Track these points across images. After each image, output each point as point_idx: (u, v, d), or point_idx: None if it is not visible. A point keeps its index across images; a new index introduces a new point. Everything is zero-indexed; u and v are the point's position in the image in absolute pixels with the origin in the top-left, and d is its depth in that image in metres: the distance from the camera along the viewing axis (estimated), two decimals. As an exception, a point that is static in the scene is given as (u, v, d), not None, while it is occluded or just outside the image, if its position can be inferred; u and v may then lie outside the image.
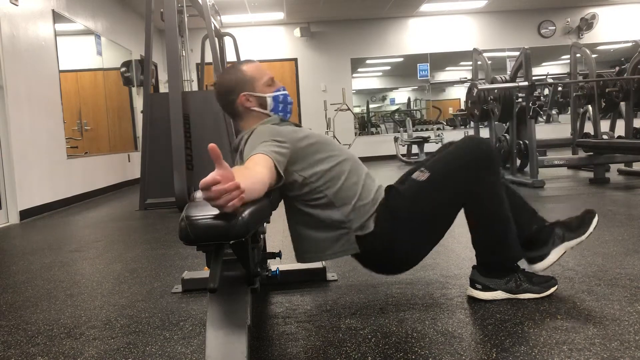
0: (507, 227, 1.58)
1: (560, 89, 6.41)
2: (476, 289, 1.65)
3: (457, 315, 1.55)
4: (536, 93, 4.46)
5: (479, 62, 6.03)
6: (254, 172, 1.21)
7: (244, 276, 1.28)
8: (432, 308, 1.62)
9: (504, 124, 6.08)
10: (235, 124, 1.71)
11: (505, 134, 5.73)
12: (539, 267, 1.67)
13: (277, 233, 3.01)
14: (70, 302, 1.92)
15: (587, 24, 9.65)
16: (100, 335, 1.56)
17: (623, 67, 5.25)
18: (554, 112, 9.52)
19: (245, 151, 1.45)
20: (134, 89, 7.61)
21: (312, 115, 9.47)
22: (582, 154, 4.95)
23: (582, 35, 9.73)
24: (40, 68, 4.86)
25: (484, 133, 6.11)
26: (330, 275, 2.03)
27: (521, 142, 5.24)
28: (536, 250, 1.67)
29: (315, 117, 9.36)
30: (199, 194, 1.16)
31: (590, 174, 4.83)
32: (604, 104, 5.38)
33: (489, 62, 5.78)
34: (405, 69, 9.93)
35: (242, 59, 7.45)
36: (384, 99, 10.50)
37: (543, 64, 9.76)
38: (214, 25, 5.45)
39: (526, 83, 4.43)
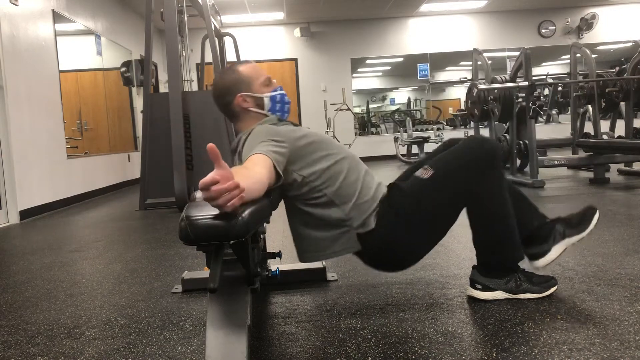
0: (508, 228, 1.58)
1: (560, 89, 6.42)
2: (476, 289, 1.65)
3: (457, 315, 1.55)
4: (536, 93, 4.46)
5: (479, 62, 6.03)
6: (253, 172, 1.21)
7: (244, 276, 1.28)
8: (432, 308, 1.62)
9: (504, 124, 6.08)
10: (234, 126, 1.71)
11: (505, 134, 5.73)
12: (540, 263, 1.67)
13: (277, 233, 3.01)
14: (70, 302, 1.92)
15: (587, 24, 9.65)
16: (100, 335, 1.56)
17: (623, 67, 5.25)
18: (554, 112, 9.52)
19: (244, 152, 1.44)
20: (134, 89, 7.61)
21: (312, 115, 9.47)
22: (582, 154, 4.95)
23: (582, 35, 9.73)
24: (40, 68, 4.86)
25: (484, 133, 6.11)
26: (330, 275, 2.03)
27: (521, 142, 5.24)
28: (537, 247, 1.67)
29: (315, 117, 9.36)
30: (199, 194, 1.16)
31: (590, 174, 4.83)
32: (604, 104, 5.38)
33: (489, 62, 5.78)
34: (405, 69, 9.93)
35: (242, 59, 7.46)
36: (384, 99, 10.50)
37: (543, 64, 9.76)
38: (214, 25, 5.45)
39: (526, 83, 4.44)
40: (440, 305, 1.64)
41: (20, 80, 4.47)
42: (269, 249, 2.35)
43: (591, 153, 4.68)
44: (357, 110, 10.18)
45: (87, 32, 6.15)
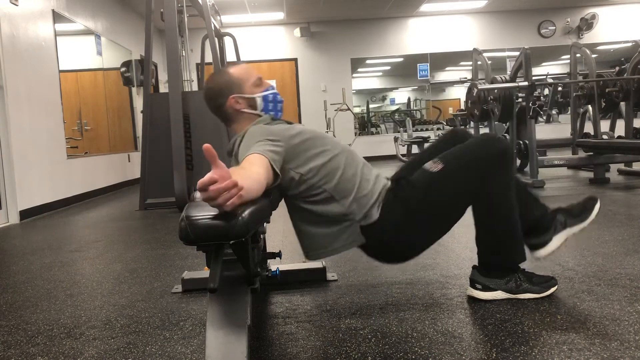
0: (513, 228, 1.58)
1: (560, 89, 6.42)
2: (476, 289, 1.65)
3: (457, 315, 1.55)
4: (536, 93, 4.46)
5: (479, 62, 6.03)
6: (250, 172, 1.21)
7: (244, 276, 1.28)
8: (432, 308, 1.62)
9: (504, 124, 6.08)
10: (228, 128, 1.71)
11: (505, 134, 5.73)
12: (541, 253, 1.67)
13: (277, 233, 3.01)
14: (70, 302, 1.92)
15: (587, 24, 9.65)
16: (100, 335, 1.56)
17: (623, 67, 5.25)
18: (554, 112, 9.51)
19: (240, 153, 1.44)
20: (134, 89, 7.61)
21: (312, 115, 9.47)
22: (582, 154, 4.95)
23: (582, 35, 9.73)
24: (40, 68, 4.86)
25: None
26: (330, 275, 2.03)
27: (521, 142, 5.24)
28: (538, 237, 1.67)
29: (315, 117, 9.36)
30: (198, 194, 1.16)
31: (590, 174, 4.83)
32: (604, 104, 5.38)
33: (489, 62, 5.78)
34: (405, 69, 9.93)
35: (242, 59, 7.46)
36: (384, 99, 10.50)
37: (543, 64, 9.76)
38: (214, 25, 5.45)
39: (526, 83, 4.44)
40: (440, 305, 1.64)
41: (20, 80, 4.47)
42: (269, 249, 2.35)
43: (591, 153, 4.68)
44: (357, 110, 10.18)
45: (87, 32, 6.15)
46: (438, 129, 9.73)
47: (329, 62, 9.66)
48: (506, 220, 1.57)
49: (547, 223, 1.67)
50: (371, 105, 10.36)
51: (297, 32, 9.39)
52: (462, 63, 9.84)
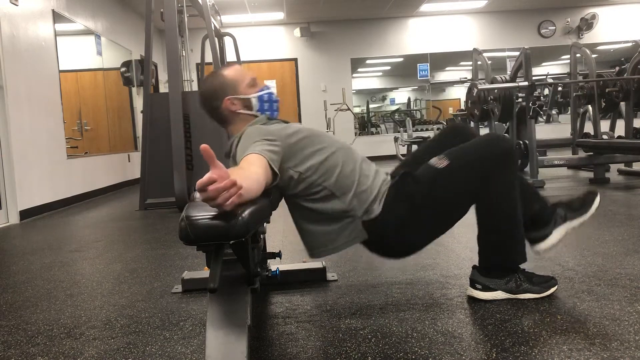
0: (515, 229, 1.58)
1: (560, 89, 6.42)
2: (476, 289, 1.65)
3: (457, 315, 1.55)
4: (536, 93, 4.46)
5: (479, 62, 6.03)
6: (249, 172, 1.21)
7: (244, 276, 1.28)
8: (432, 308, 1.62)
9: (504, 124, 6.08)
10: (225, 130, 1.71)
11: (506, 134, 5.73)
12: (541, 247, 1.67)
13: (277, 233, 3.01)
14: (70, 302, 1.92)
15: (587, 24, 9.65)
16: (100, 335, 1.56)
17: (623, 67, 5.25)
18: (554, 112, 9.52)
19: (238, 154, 1.44)
20: (134, 89, 7.61)
21: (312, 115, 9.47)
22: (582, 154, 4.95)
23: (582, 35, 9.73)
24: (40, 68, 4.86)
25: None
26: (330, 275, 2.03)
27: (521, 142, 5.24)
28: (538, 231, 1.67)
29: (315, 117, 9.35)
30: (198, 194, 1.16)
31: (590, 174, 4.83)
32: (604, 104, 5.38)
33: (489, 62, 5.78)
34: (405, 69, 9.93)
35: (242, 59, 7.47)
36: (384, 99, 10.50)
37: (543, 64, 9.76)
38: (214, 25, 5.45)
39: (526, 83, 4.43)
40: (440, 305, 1.64)
41: (20, 80, 4.47)
42: (269, 249, 2.35)
43: (591, 153, 4.68)
44: (357, 110, 10.18)
45: (87, 32, 6.15)
46: (438, 129, 9.73)
47: (329, 62, 9.66)
48: (508, 220, 1.57)
49: (547, 217, 1.67)
50: (371, 105, 10.36)
51: (297, 32, 9.39)
52: (462, 63, 9.84)
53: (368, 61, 9.84)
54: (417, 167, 1.63)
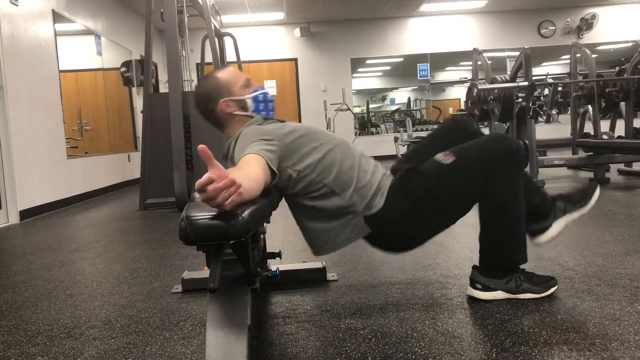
0: (517, 229, 1.58)
1: (560, 89, 6.41)
2: (476, 288, 1.65)
3: (457, 315, 1.55)
4: (536, 93, 4.46)
5: (479, 62, 6.03)
6: (248, 172, 1.21)
7: (244, 276, 1.28)
8: (432, 308, 1.62)
9: (504, 124, 6.08)
10: (222, 133, 1.70)
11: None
12: (541, 240, 1.67)
13: (277, 233, 3.01)
14: (70, 302, 1.92)
15: (587, 24, 9.65)
16: (100, 335, 1.56)
17: (623, 67, 5.25)
18: (554, 112, 9.52)
19: (235, 156, 1.44)
20: (134, 89, 7.61)
21: (312, 115, 9.47)
22: (582, 154, 4.95)
23: (582, 35, 9.73)
24: (40, 68, 4.86)
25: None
26: (330, 275, 2.03)
27: (521, 142, 5.23)
28: (538, 224, 1.67)
29: (315, 117, 9.35)
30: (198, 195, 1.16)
31: (590, 174, 4.83)
32: (604, 104, 5.38)
33: (489, 62, 5.78)
34: (405, 69, 9.93)
35: (242, 59, 7.47)
36: (384, 99, 10.50)
37: (543, 64, 9.76)
38: (214, 25, 5.45)
39: (526, 83, 4.43)
40: (440, 305, 1.64)
41: (20, 80, 4.47)
42: (269, 249, 2.35)
43: (591, 153, 4.68)
44: (357, 110, 10.18)
45: (87, 32, 6.15)
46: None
47: (329, 62, 9.66)
48: (511, 219, 1.57)
49: (547, 209, 1.67)
50: (371, 105, 10.36)
51: (297, 32, 9.39)
52: (462, 63, 9.84)
53: (368, 61, 9.84)
54: (418, 161, 1.63)
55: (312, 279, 2.00)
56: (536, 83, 4.45)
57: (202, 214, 1.00)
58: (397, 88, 10.44)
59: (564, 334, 1.35)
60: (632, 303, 1.54)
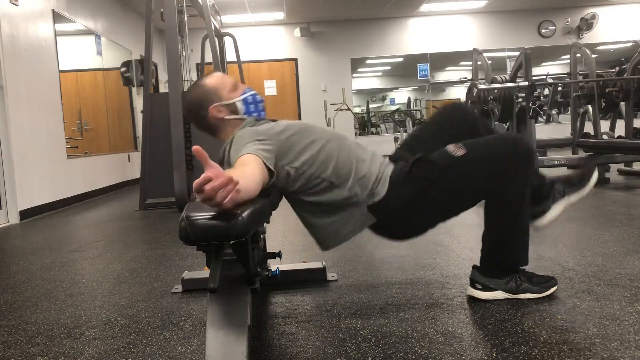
0: (519, 230, 1.58)
1: (560, 89, 6.41)
2: (476, 288, 1.65)
3: (457, 315, 1.55)
4: (536, 93, 4.46)
5: (479, 62, 6.03)
6: (245, 172, 1.21)
7: (244, 276, 1.28)
8: (432, 308, 1.62)
9: (504, 124, 6.08)
10: (216, 138, 1.70)
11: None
12: (541, 222, 1.67)
13: (277, 233, 3.01)
14: (70, 302, 1.92)
15: (587, 24, 9.65)
16: (100, 335, 1.56)
17: (623, 67, 5.25)
18: (554, 112, 9.51)
19: (231, 159, 1.44)
20: (134, 89, 7.61)
21: (312, 115, 9.47)
22: (582, 154, 4.95)
23: (582, 35, 9.73)
24: (40, 68, 4.86)
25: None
26: (330, 275, 2.03)
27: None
28: (537, 206, 1.67)
29: (315, 117, 9.35)
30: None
31: (590, 174, 4.82)
32: (604, 104, 5.38)
33: (489, 62, 5.78)
34: (405, 69, 9.92)
35: (241, 59, 7.47)
36: (384, 99, 10.50)
37: (543, 64, 9.76)
38: (214, 25, 5.45)
39: (526, 83, 4.44)
40: (440, 305, 1.64)
41: (20, 80, 4.47)
42: (269, 249, 2.35)
43: (591, 153, 4.68)
44: (357, 110, 10.18)
45: (87, 32, 6.15)
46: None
47: (329, 62, 9.66)
48: (514, 219, 1.57)
49: (546, 192, 1.67)
50: (371, 105, 10.36)
51: (297, 32, 9.39)
52: (462, 63, 9.84)
53: (368, 61, 9.84)
54: (419, 149, 1.62)
55: (312, 279, 2.00)
56: (536, 83, 4.45)
57: (202, 214, 1.00)
58: (397, 88, 10.44)
59: (564, 334, 1.35)
60: (632, 303, 1.54)
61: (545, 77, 6.98)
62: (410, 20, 9.65)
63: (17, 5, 4.48)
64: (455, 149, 1.54)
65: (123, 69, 7.31)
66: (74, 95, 5.69)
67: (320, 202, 1.56)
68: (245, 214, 1.02)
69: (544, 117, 9.27)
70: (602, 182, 4.47)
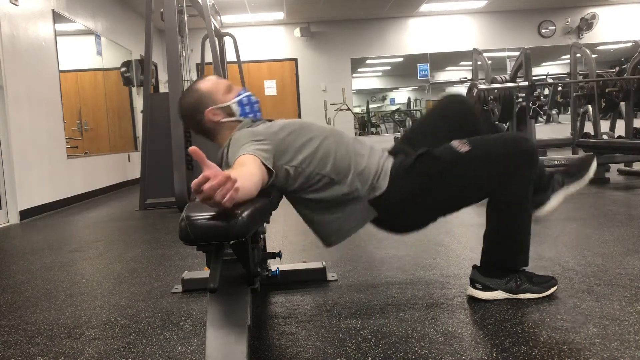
0: (520, 230, 1.58)
1: (560, 89, 6.42)
2: (476, 288, 1.65)
3: (457, 315, 1.55)
4: (536, 93, 4.47)
5: (479, 62, 6.03)
6: (243, 172, 1.21)
7: (244, 276, 1.28)
8: (432, 308, 1.62)
9: (504, 124, 6.08)
10: (214, 142, 1.69)
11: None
12: (541, 213, 1.67)
13: (277, 233, 3.01)
14: (70, 302, 1.92)
15: (587, 24, 9.65)
16: (100, 335, 1.56)
17: (623, 67, 5.25)
18: (554, 112, 9.51)
19: (230, 161, 1.44)
20: (134, 89, 7.61)
21: (312, 115, 9.47)
22: (582, 154, 4.94)
23: (582, 35, 9.73)
24: (40, 68, 4.86)
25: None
26: (330, 275, 2.03)
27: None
28: (537, 197, 1.67)
29: (315, 117, 9.35)
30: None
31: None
32: (604, 104, 5.38)
33: (489, 62, 5.79)
34: (405, 69, 9.93)
35: (241, 59, 7.47)
36: (384, 99, 10.50)
37: (543, 64, 9.76)
38: (214, 25, 5.45)
39: (526, 83, 4.44)
40: (440, 305, 1.64)
41: (20, 80, 4.47)
42: (269, 249, 2.35)
43: (591, 153, 4.67)
44: (357, 110, 10.18)
45: (87, 32, 6.15)
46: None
47: (329, 62, 9.66)
48: (515, 219, 1.57)
49: (545, 183, 1.68)
50: (371, 105, 10.36)
51: (297, 32, 9.39)
52: (462, 63, 9.84)
53: (368, 61, 9.84)
54: (419, 142, 1.62)
55: (312, 279, 2.00)
56: (536, 83, 4.46)
57: (202, 214, 1.00)
58: (397, 88, 10.44)
59: (564, 334, 1.35)
60: (632, 303, 1.54)
61: (545, 77, 6.98)
62: (410, 20, 9.65)
63: (17, 5, 4.48)
64: (460, 145, 1.54)
65: (123, 69, 7.31)
66: (74, 95, 5.69)
67: (321, 199, 1.56)
68: (245, 214, 1.02)
69: (544, 117, 9.25)
70: (602, 182, 4.47)
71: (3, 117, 4.21)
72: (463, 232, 2.63)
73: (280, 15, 8.94)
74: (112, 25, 6.92)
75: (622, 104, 5.25)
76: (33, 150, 4.60)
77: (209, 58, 5.70)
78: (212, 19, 5.26)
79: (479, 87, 5.17)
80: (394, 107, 10.44)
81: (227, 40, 6.96)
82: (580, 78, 5.57)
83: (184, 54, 5.37)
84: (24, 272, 2.46)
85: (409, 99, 10.41)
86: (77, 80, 5.88)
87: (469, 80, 6.74)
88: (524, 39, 9.47)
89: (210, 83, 1.65)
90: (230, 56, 7.49)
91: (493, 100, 5.37)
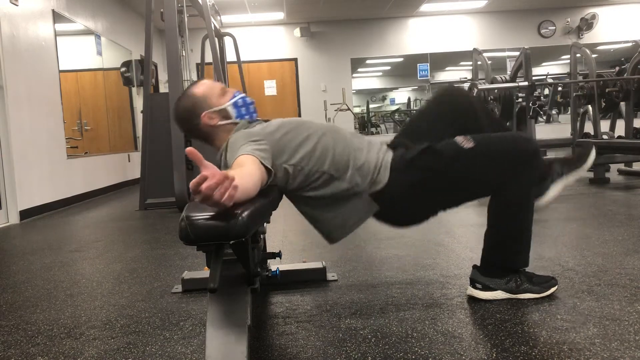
0: (521, 230, 1.58)
1: (560, 89, 6.42)
2: (476, 288, 1.65)
3: (457, 315, 1.55)
4: (536, 93, 4.47)
5: (479, 62, 6.03)
6: (242, 172, 1.21)
7: (244, 276, 1.28)
8: (432, 308, 1.62)
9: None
10: (212, 146, 1.69)
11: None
12: (541, 202, 1.67)
13: (277, 233, 3.01)
14: (70, 302, 1.92)
15: (587, 24, 9.65)
16: (100, 335, 1.56)
17: (623, 67, 5.25)
18: (554, 112, 9.52)
19: (228, 162, 1.44)
20: (134, 89, 7.61)
21: (312, 115, 9.47)
22: (582, 154, 4.94)
23: (582, 35, 9.73)
24: (40, 68, 4.86)
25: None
26: (330, 275, 2.03)
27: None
28: (536, 187, 1.67)
29: (315, 117, 9.34)
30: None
31: (590, 174, 4.83)
32: (604, 104, 5.38)
33: (489, 62, 5.79)
34: (405, 69, 9.92)
35: (241, 59, 7.47)
36: (384, 99, 10.50)
37: (543, 64, 9.76)
38: (214, 25, 5.45)
39: (526, 83, 4.44)
40: (440, 305, 1.64)
41: (20, 80, 4.47)
42: (269, 249, 2.35)
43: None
44: (357, 110, 10.18)
45: (87, 32, 6.15)
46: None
47: (329, 62, 9.66)
48: (515, 219, 1.57)
49: (544, 173, 1.68)
50: (371, 105, 10.36)
51: (297, 32, 9.39)
52: (462, 63, 9.84)
53: (368, 61, 9.84)
54: (419, 136, 1.62)
55: (312, 279, 2.00)
56: (536, 83, 4.46)
57: (202, 214, 1.00)
58: (397, 88, 10.44)
59: (564, 334, 1.35)
60: (632, 303, 1.54)
61: (545, 77, 6.99)
62: (410, 20, 9.65)
63: (17, 5, 4.48)
64: (464, 141, 1.54)
65: (123, 69, 7.31)
66: (74, 95, 5.69)
67: (321, 196, 1.56)
68: (245, 213, 1.02)
69: (544, 117, 9.25)
70: (602, 182, 4.47)
71: (3, 117, 4.21)
72: (463, 232, 2.63)
73: (280, 15, 8.94)
74: (112, 25, 6.92)
75: (622, 104, 5.25)
76: (33, 150, 4.60)
77: (209, 58, 5.70)
78: (212, 19, 5.26)
79: (479, 87, 5.17)
80: (394, 107, 10.44)
81: (227, 40, 6.96)
82: (580, 78, 5.57)
83: (184, 54, 5.37)
84: (24, 272, 2.46)
85: (409, 99, 10.41)
86: (77, 80, 5.88)
87: (469, 80, 6.74)
88: (524, 39, 9.47)
89: (204, 87, 1.65)
90: (230, 56, 7.49)
91: (493, 100, 5.37)
